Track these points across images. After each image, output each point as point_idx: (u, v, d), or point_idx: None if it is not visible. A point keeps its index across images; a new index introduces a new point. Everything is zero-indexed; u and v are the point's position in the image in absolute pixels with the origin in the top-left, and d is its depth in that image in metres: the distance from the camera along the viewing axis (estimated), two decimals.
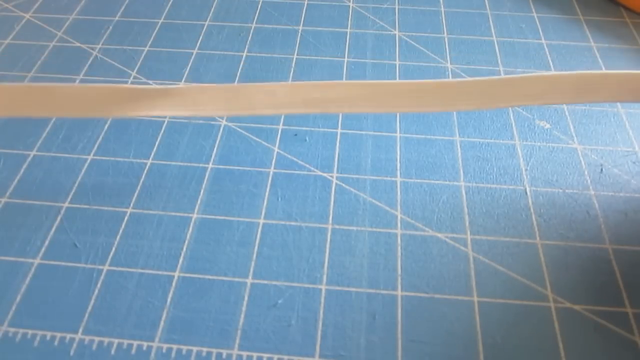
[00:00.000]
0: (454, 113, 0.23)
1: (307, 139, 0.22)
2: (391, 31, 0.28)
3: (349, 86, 0.14)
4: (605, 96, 0.14)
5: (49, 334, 0.16)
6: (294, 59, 0.26)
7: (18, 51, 0.26)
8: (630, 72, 0.15)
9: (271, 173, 0.21)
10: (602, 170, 0.21)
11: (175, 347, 0.16)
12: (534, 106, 0.24)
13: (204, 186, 0.20)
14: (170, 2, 0.29)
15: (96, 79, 0.25)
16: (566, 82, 0.14)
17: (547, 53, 0.26)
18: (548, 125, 0.23)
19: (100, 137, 0.22)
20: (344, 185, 0.20)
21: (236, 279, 0.18)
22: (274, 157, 0.21)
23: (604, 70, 0.12)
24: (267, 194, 0.20)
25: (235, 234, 0.19)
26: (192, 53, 0.26)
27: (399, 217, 0.19)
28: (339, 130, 0.22)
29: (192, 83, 0.25)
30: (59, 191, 0.20)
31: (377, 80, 0.14)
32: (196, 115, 0.14)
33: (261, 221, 0.19)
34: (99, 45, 0.27)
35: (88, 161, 0.21)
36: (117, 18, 0.28)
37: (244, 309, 0.17)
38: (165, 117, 0.23)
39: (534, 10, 0.29)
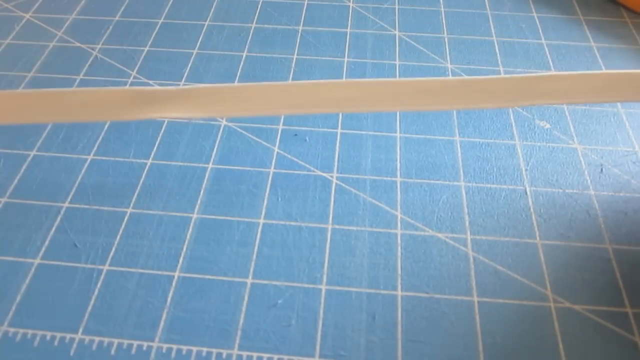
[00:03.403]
0: (454, 113, 0.23)
1: (307, 139, 0.22)
2: (391, 31, 0.28)
3: (370, 85, 0.14)
4: (629, 95, 0.14)
5: (49, 334, 0.16)
6: (294, 59, 0.26)
7: (18, 51, 0.26)
8: None
9: (271, 173, 0.21)
10: (602, 170, 0.21)
11: (175, 347, 0.16)
12: (534, 106, 0.24)
13: (204, 186, 0.20)
14: (170, 2, 0.29)
15: (96, 79, 0.25)
16: (591, 81, 0.14)
17: (547, 53, 0.26)
18: (548, 125, 0.23)
19: (100, 137, 0.22)
20: (344, 185, 0.20)
21: (236, 279, 0.18)
22: (274, 157, 0.21)
23: (629, 70, 0.12)
24: (267, 194, 0.20)
25: (235, 234, 0.19)
26: (192, 53, 0.26)
27: (399, 217, 0.19)
28: (339, 130, 0.22)
29: (192, 83, 0.25)
30: (59, 191, 0.20)
31: (397, 79, 0.14)
32: (209, 116, 0.14)
33: (261, 221, 0.19)
34: (99, 45, 0.27)
35: (88, 161, 0.21)
36: (117, 18, 0.28)
37: (244, 309, 0.17)
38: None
39: (534, 10, 0.29)
